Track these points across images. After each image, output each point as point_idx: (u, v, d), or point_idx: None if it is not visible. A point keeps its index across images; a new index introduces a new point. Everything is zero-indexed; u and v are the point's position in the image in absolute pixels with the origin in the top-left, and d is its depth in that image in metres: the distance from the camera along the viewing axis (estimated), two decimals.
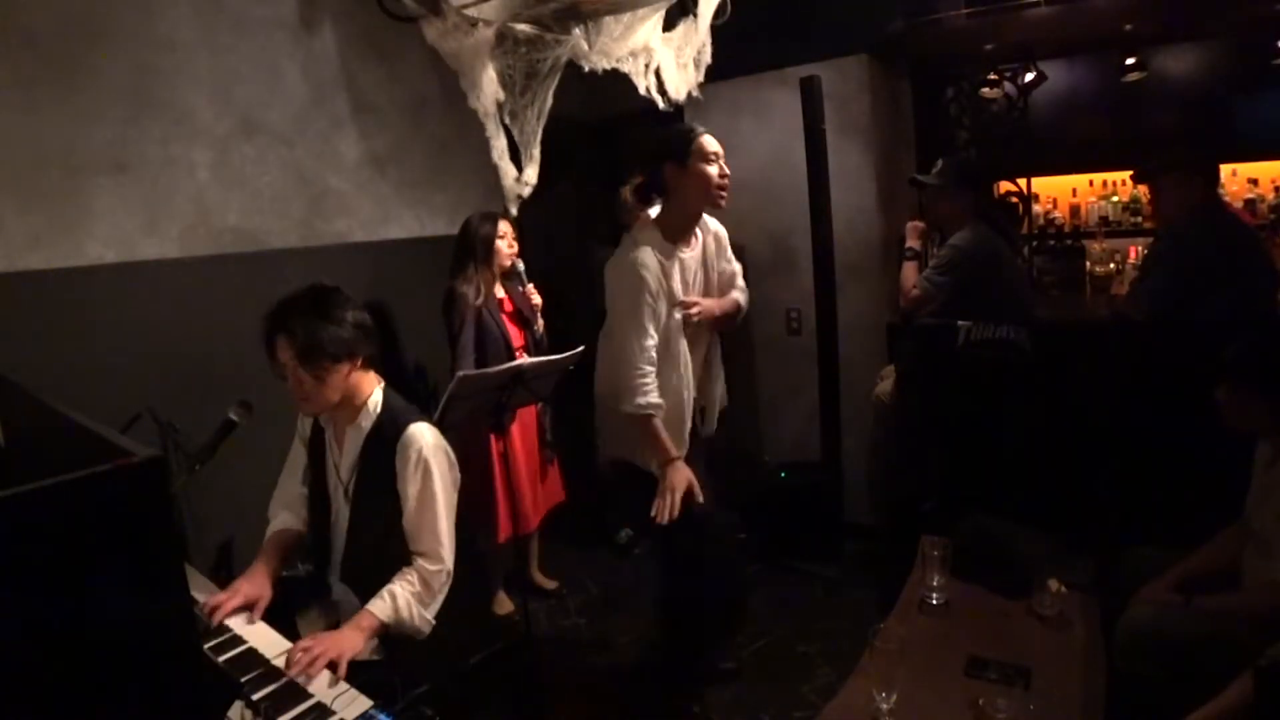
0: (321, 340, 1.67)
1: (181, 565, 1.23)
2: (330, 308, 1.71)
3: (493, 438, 2.78)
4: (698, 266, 2.31)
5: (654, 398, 2.15)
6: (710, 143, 2.18)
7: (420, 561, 1.71)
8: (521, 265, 2.89)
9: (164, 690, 0.98)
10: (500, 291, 2.87)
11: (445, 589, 1.73)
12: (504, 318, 2.83)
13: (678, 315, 2.23)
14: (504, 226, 2.84)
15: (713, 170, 2.17)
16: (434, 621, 1.70)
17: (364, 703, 1.34)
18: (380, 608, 1.64)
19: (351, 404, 1.78)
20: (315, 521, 1.89)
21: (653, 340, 2.16)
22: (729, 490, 2.53)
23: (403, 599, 1.66)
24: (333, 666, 1.47)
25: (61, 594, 0.89)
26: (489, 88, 2.62)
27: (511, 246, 2.85)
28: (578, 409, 2.83)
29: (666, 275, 2.19)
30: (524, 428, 2.92)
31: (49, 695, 0.90)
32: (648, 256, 2.16)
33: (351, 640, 1.55)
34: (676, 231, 2.24)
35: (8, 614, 0.86)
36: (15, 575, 0.86)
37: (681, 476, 2.14)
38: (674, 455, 2.17)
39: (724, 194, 2.21)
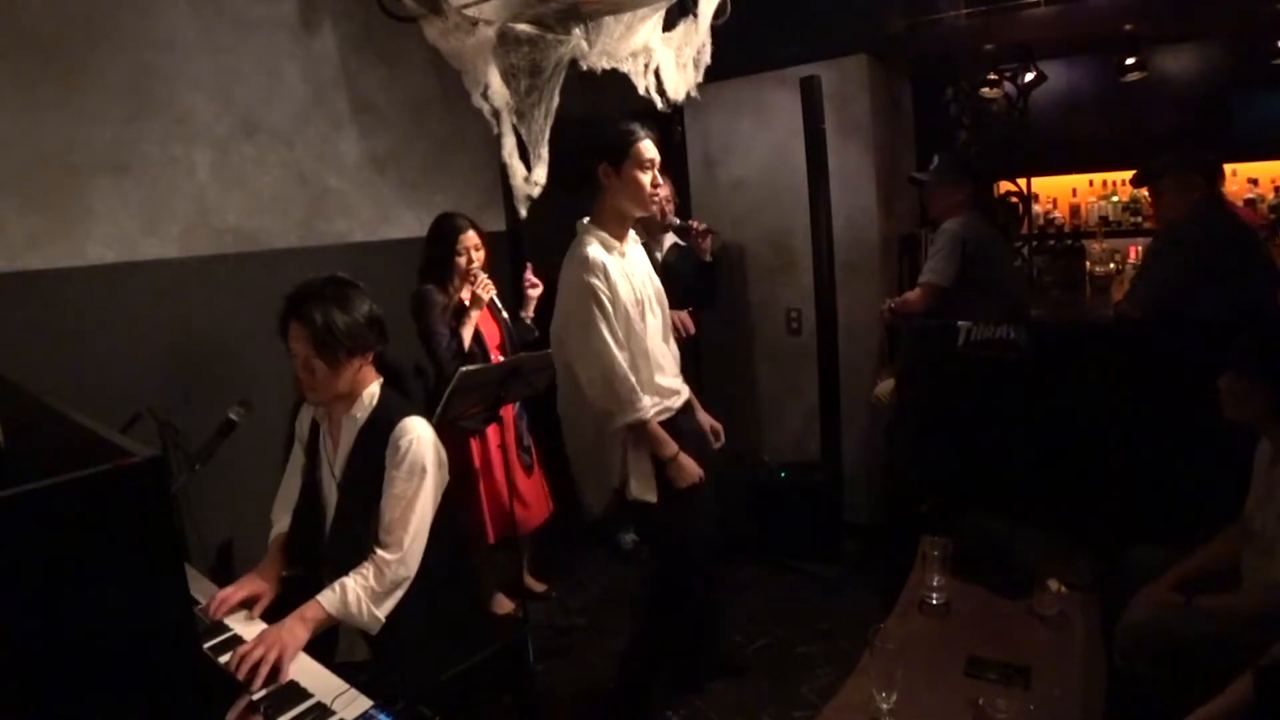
0: (338, 330, 1.68)
1: (181, 565, 1.23)
2: (349, 299, 1.73)
3: (473, 441, 2.74)
4: (646, 269, 2.25)
5: (647, 400, 2.09)
6: (648, 149, 2.10)
7: (379, 551, 1.68)
8: (491, 294, 2.75)
9: (164, 690, 0.98)
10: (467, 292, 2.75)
11: (403, 585, 1.69)
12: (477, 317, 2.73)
13: (651, 316, 2.18)
14: (472, 234, 2.73)
15: (645, 178, 2.10)
16: (384, 619, 1.66)
17: (364, 703, 1.34)
18: (329, 599, 1.62)
19: (351, 396, 1.79)
20: (309, 519, 1.88)
21: (620, 340, 2.08)
22: (724, 489, 2.51)
23: (353, 593, 1.63)
24: (276, 668, 1.45)
25: (61, 594, 0.89)
26: (497, 85, 2.61)
27: (479, 250, 2.74)
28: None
29: (613, 274, 2.09)
30: (499, 434, 2.78)
31: (49, 695, 0.90)
32: (596, 252, 2.08)
33: (294, 636, 1.53)
34: (613, 229, 2.17)
35: (7, 614, 0.86)
36: (15, 575, 0.87)
37: (693, 468, 2.12)
38: (676, 449, 2.11)
39: (656, 202, 2.15)
